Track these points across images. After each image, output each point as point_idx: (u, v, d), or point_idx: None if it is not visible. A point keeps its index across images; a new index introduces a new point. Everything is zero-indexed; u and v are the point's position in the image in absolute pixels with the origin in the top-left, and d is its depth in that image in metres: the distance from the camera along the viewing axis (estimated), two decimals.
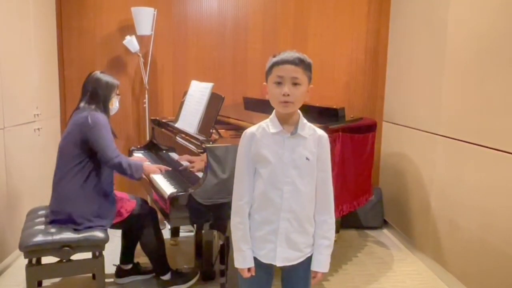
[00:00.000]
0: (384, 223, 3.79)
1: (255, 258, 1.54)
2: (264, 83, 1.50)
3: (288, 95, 1.41)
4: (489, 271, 2.34)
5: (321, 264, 1.55)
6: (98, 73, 2.46)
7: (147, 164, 2.57)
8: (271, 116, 1.52)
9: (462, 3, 2.65)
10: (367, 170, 3.13)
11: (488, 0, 2.39)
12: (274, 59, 1.45)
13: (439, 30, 2.87)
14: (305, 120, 1.52)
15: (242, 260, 1.53)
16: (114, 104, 2.51)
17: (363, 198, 3.11)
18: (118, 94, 2.53)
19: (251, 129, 1.53)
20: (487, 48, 2.37)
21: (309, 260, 1.56)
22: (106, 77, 2.45)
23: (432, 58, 2.97)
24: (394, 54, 3.70)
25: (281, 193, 1.48)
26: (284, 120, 1.49)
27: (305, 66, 1.44)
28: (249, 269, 1.54)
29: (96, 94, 2.40)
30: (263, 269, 1.57)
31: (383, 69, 3.86)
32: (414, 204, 3.25)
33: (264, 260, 1.54)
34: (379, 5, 3.79)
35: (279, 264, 1.53)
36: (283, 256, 1.52)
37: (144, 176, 2.50)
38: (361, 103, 3.90)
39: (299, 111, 1.51)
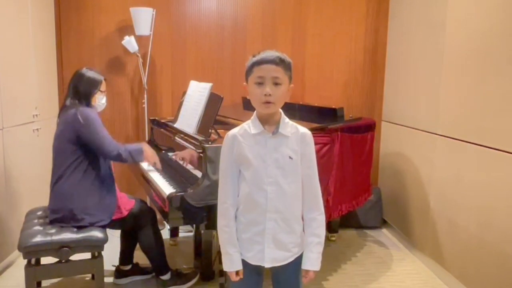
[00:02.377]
0: (383, 223, 3.79)
1: (243, 261, 1.53)
2: (245, 83, 1.48)
3: (270, 95, 1.40)
4: (488, 270, 2.35)
5: (312, 263, 1.53)
6: (83, 69, 2.41)
7: (147, 148, 2.53)
8: (252, 117, 1.50)
9: (460, 2, 2.65)
10: (366, 169, 3.14)
11: (487, 0, 2.39)
12: (254, 59, 1.43)
13: (437, 29, 2.87)
14: (287, 119, 1.50)
15: (230, 263, 1.52)
16: (99, 101, 2.44)
17: (362, 198, 3.12)
18: (102, 91, 2.44)
19: (233, 131, 1.52)
20: (486, 48, 2.38)
21: (298, 259, 1.55)
22: (89, 73, 2.40)
23: (431, 57, 2.97)
24: (393, 53, 3.70)
25: (266, 193, 1.46)
26: (265, 120, 1.47)
27: (285, 65, 1.42)
28: (237, 272, 1.52)
29: (77, 90, 2.36)
30: (253, 271, 1.55)
31: (382, 68, 3.86)
32: (413, 203, 3.25)
33: (253, 262, 1.52)
34: (378, 5, 3.79)
35: (267, 265, 1.52)
36: (271, 257, 1.50)
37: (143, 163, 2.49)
38: (360, 103, 3.90)
39: (280, 110, 1.49)
